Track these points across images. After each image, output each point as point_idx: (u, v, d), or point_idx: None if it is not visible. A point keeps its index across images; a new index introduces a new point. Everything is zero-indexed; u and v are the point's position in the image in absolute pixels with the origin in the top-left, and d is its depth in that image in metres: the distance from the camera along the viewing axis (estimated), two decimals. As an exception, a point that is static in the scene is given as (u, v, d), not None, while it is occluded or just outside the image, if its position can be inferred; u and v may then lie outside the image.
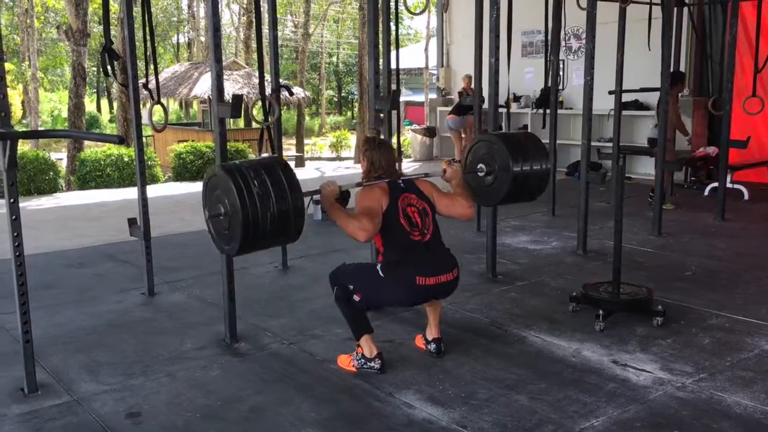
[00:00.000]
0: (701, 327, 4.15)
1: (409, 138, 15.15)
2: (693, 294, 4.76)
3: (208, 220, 3.29)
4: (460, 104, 11.14)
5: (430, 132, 13.40)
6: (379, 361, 3.55)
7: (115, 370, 3.65)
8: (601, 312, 4.12)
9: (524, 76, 11.51)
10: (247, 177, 3.09)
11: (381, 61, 5.31)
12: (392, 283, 3.48)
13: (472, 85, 10.56)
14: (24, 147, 15.14)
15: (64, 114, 25.25)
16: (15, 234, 3.24)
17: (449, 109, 12.86)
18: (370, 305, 3.62)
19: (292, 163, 17.56)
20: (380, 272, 3.49)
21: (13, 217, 3.23)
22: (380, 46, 5.24)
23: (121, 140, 3.11)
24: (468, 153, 4.32)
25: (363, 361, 3.57)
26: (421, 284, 3.47)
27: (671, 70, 7.06)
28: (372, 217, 3.43)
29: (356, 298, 3.54)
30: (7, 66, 24.85)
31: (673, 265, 5.58)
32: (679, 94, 8.20)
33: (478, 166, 4.18)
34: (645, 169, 9.99)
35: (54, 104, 35.60)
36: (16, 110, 27.68)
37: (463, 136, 11.79)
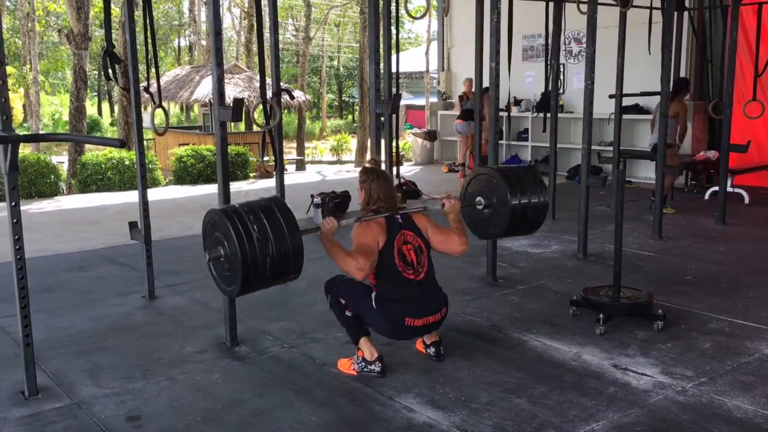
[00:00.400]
0: (702, 331, 4.15)
1: (410, 141, 15.16)
2: (693, 298, 4.76)
3: (208, 263, 3.31)
4: (468, 109, 11.11)
5: (430, 135, 13.41)
6: (380, 365, 3.56)
7: (115, 374, 3.65)
8: (601, 316, 4.12)
9: (525, 80, 11.53)
10: (246, 221, 3.12)
11: (382, 64, 5.33)
12: (382, 316, 3.52)
13: (473, 89, 10.64)
14: (25, 150, 15.15)
15: (65, 117, 25.30)
16: (16, 237, 3.25)
17: (450, 112, 12.88)
18: (364, 323, 3.65)
19: (292, 167, 17.60)
20: (373, 303, 3.53)
21: (15, 221, 3.23)
22: (381, 50, 5.26)
23: (122, 144, 3.11)
24: (466, 186, 4.33)
25: (363, 364, 3.58)
26: (409, 325, 3.52)
27: (672, 75, 7.06)
28: (368, 256, 3.46)
29: (348, 313, 3.62)
30: (9, 69, 24.94)
31: (673, 269, 5.58)
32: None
33: (477, 200, 4.20)
34: (645, 173, 9.99)
35: (55, 107, 35.64)
36: (18, 114, 27.73)
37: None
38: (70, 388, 3.48)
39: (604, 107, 8.32)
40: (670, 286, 5.02)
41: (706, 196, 8.49)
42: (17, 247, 3.25)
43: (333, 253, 3.46)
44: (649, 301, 4.30)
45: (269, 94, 5.22)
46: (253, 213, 3.17)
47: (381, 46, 5.30)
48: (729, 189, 7.53)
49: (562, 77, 7.32)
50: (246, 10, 24.02)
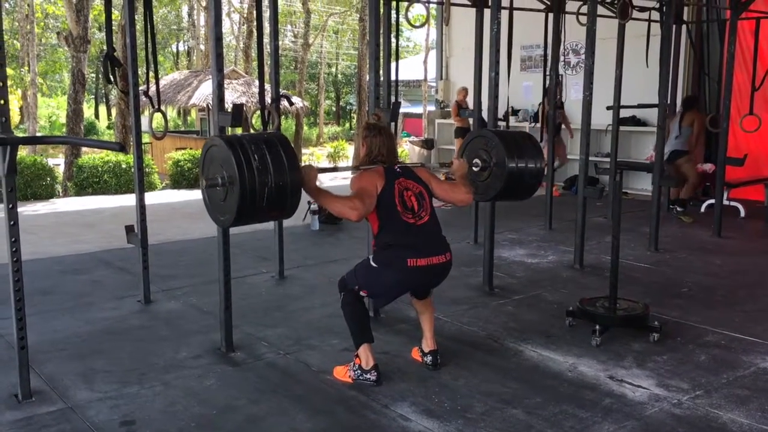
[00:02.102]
0: (697, 344, 4.16)
1: (407, 150, 15.18)
2: (689, 310, 4.77)
3: (204, 190, 3.28)
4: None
5: (427, 144, 13.42)
6: (375, 373, 3.54)
7: (110, 378, 3.63)
8: (597, 327, 4.12)
9: (522, 90, 11.55)
10: (247, 149, 3.09)
11: (381, 72, 5.33)
12: (385, 269, 3.50)
13: (469, 98, 10.65)
14: (21, 152, 15.11)
15: (62, 120, 25.26)
16: (13, 239, 3.24)
17: (447, 121, 12.90)
18: (379, 297, 3.67)
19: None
20: (372, 263, 3.53)
21: (12, 223, 3.22)
22: (381, 58, 5.26)
23: (121, 147, 3.11)
24: (465, 148, 4.33)
25: (359, 372, 3.57)
26: (413, 266, 3.46)
27: (669, 87, 7.09)
28: (364, 198, 3.42)
29: (363, 294, 3.59)
30: (7, 71, 24.83)
31: (669, 281, 5.59)
32: (676, 112, 8.26)
33: (474, 161, 4.20)
34: (642, 184, 10.02)
35: (52, 110, 35.58)
36: (14, 115, 27.63)
37: None
38: (64, 392, 3.46)
39: (602, 118, 8.36)
40: (666, 299, 5.03)
41: (702, 209, 8.51)
42: (14, 249, 3.24)
43: (322, 199, 3.42)
44: (645, 312, 4.30)
45: (268, 99, 5.23)
46: (255, 143, 3.14)
47: (381, 54, 5.30)
48: (725, 202, 7.55)
49: (560, 88, 7.34)
50: (245, 15, 24.05)
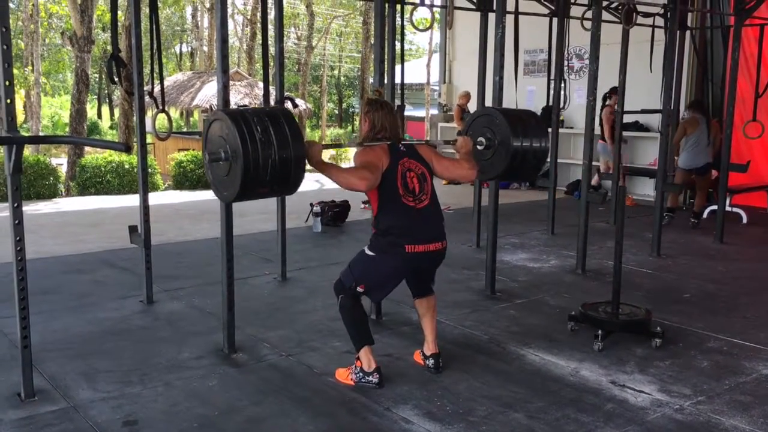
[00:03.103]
0: (700, 349, 4.16)
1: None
2: (692, 316, 4.77)
3: (207, 165, 3.24)
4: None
5: (430, 147, 13.41)
6: (377, 375, 3.54)
7: (112, 378, 3.63)
8: (599, 332, 4.12)
9: (526, 94, 11.56)
10: (251, 123, 3.06)
11: (385, 75, 5.34)
12: (382, 256, 3.50)
13: (472, 102, 10.65)
14: (25, 151, 15.12)
15: (65, 119, 25.31)
16: (17, 238, 3.24)
17: (450, 125, 12.90)
18: (376, 289, 3.61)
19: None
20: (369, 252, 3.54)
21: (16, 222, 3.23)
22: (384, 61, 5.28)
23: (127, 148, 3.12)
24: (469, 126, 4.29)
25: (361, 374, 3.56)
26: (411, 252, 3.46)
27: (673, 93, 7.09)
28: (371, 169, 3.39)
29: (360, 290, 3.55)
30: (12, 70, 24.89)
31: (671, 286, 5.58)
32: (681, 118, 8.25)
33: (478, 140, 4.16)
34: (644, 189, 10.03)
35: (55, 109, 35.63)
36: (18, 114, 27.66)
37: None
38: (66, 392, 3.46)
39: (605, 124, 8.36)
40: (669, 304, 5.03)
41: (705, 215, 8.50)
42: (18, 248, 3.25)
43: (329, 171, 3.38)
44: (648, 318, 4.30)
45: (272, 102, 5.24)
46: (258, 117, 3.11)
47: (385, 57, 5.31)
48: (728, 208, 7.55)
49: (563, 93, 7.34)
50: (249, 17, 24.09)
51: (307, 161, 3.31)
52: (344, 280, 3.62)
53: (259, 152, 3.03)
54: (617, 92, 7.64)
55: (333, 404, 3.40)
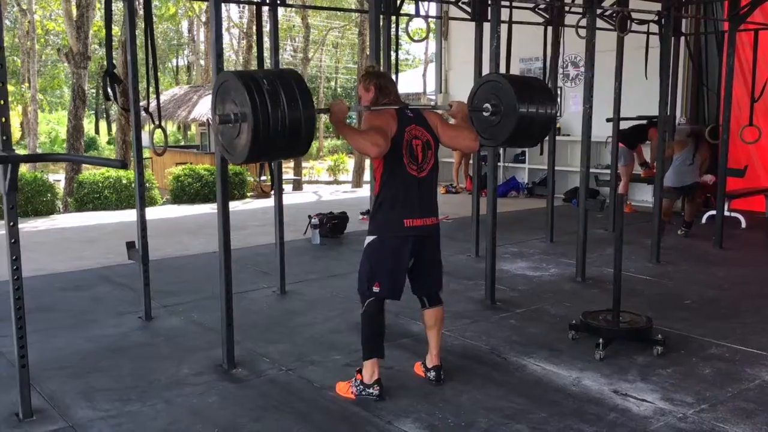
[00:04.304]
0: (701, 356, 4.13)
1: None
2: (693, 323, 4.75)
3: (217, 127, 3.22)
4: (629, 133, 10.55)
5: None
6: (378, 388, 3.52)
7: (111, 396, 3.60)
8: (601, 340, 4.10)
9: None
10: (260, 83, 3.04)
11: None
12: (382, 237, 3.52)
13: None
14: (22, 168, 15.11)
15: (62, 135, 25.30)
16: (14, 257, 3.23)
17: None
18: (387, 280, 3.53)
19: (289, 187, 17.61)
20: (369, 237, 3.55)
21: (12, 241, 3.21)
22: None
23: (123, 165, 3.10)
24: (475, 93, 4.27)
25: (362, 387, 3.54)
26: (409, 225, 3.49)
27: (669, 99, 7.08)
28: (383, 135, 3.37)
29: (376, 289, 3.51)
30: (8, 87, 24.94)
31: (672, 293, 5.57)
32: (677, 123, 8.25)
33: (484, 106, 4.15)
34: (642, 196, 10.02)
35: (52, 125, 35.66)
36: (15, 131, 27.73)
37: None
38: (65, 411, 3.43)
39: (601, 130, 8.36)
40: (669, 311, 5.01)
41: (703, 220, 8.50)
42: (15, 267, 3.23)
43: (346, 133, 3.41)
44: (649, 325, 4.29)
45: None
46: (267, 77, 3.10)
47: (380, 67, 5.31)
48: (726, 213, 7.54)
49: (559, 100, 7.34)
50: (245, 30, 24.15)
51: (328, 117, 3.39)
52: (361, 283, 3.59)
53: (269, 111, 3.01)
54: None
55: (334, 419, 3.37)
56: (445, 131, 3.66)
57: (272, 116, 3.01)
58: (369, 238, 3.57)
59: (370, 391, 3.53)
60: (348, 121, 3.60)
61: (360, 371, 3.58)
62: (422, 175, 3.54)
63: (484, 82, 4.29)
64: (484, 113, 4.16)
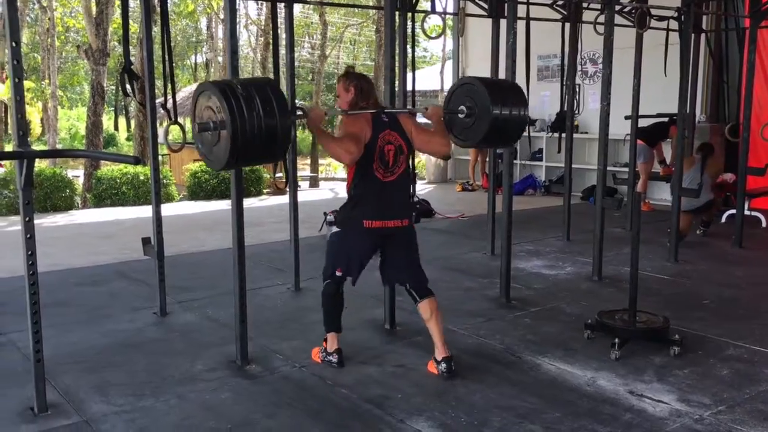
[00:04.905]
0: (719, 357, 4.08)
1: (424, 160, 15.14)
2: (710, 323, 4.69)
3: (196, 135, 3.37)
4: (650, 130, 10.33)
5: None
6: (337, 356, 3.88)
7: (125, 391, 3.62)
8: (616, 340, 4.05)
9: (540, 99, 11.50)
10: (237, 93, 3.19)
11: (397, 83, 5.33)
12: (346, 230, 3.81)
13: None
14: (42, 164, 15.21)
15: (82, 131, 25.51)
16: (29, 252, 3.25)
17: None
18: (349, 266, 3.82)
19: (306, 184, 17.63)
20: (336, 228, 3.92)
21: (28, 236, 3.23)
22: (396, 69, 5.26)
23: (137, 161, 3.12)
24: (450, 96, 4.44)
25: (324, 354, 3.94)
26: (368, 227, 3.69)
27: (689, 97, 6.99)
28: (356, 142, 3.56)
29: (338, 273, 3.82)
30: (28, 84, 25.28)
31: (690, 293, 5.50)
32: (697, 121, 8.14)
33: (459, 108, 4.28)
34: (660, 194, 9.92)
35: (72, 122, 35.97)
36: (36, 127, 27.99)
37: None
38: (79, 405, 3.46)
39: (619, 128, 8.29)
40: (687, 311, 4.95)
41: (723, 219, 8.40)
42: (30, 262, 3.25)
43: (322, 139, 3.64)
44: (666, 325, 4.24)
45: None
46: (244, 87, 3.25)
47: (396, 64, 5.30)
48: (746, 212, 7.44)
49: (577, 98, 7.27)
50: (262, 27, 24.22)
51: (306, 123, 3.64)
52: (325, 267, 3.89)
53: (246, 119, 3.17)
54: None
55: (347, 416, 3.37)
56: (418, 136, 3.82)
57: (249, 122, 3.16)
58: (334, 229, 3.98)
59: (330, 358, 3.90)
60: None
61: (326, 340, 3.93)
62: (390, 180, 3.71)
63: (460, 85, 4.44)
64: (460, 115, 4.28)
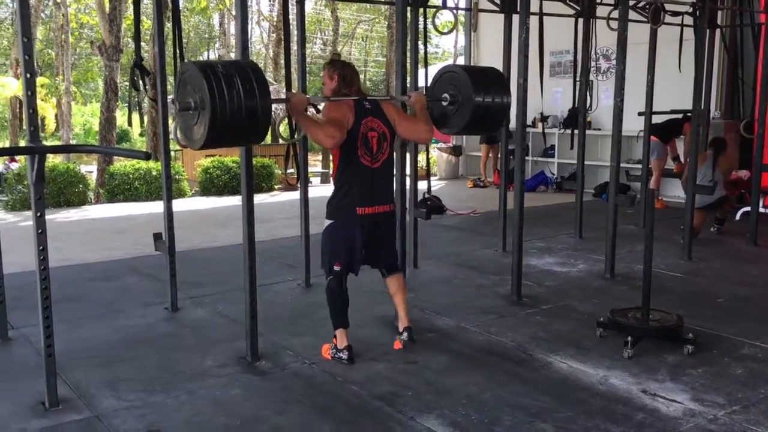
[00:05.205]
0: (733, 356, 4.04)
1: (435, 156, 15.11)
2: (725, 322, 4.64)
3: (176, 114, 3.41)
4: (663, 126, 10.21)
5: (456, 151, 13.37)
6: (347, 353, 3.84)
7: (136, 386, 3.63)
8: (629, 338, 4.02)
9: (552, 95, 11.43)
10: (219, 74, 3.22)
11: (408, 79, 5.31)
12: (338, 222, 3.85)
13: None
14: (55, 159, 15.33)
15: (96, 127, 25.66)
16: (40, 248, 3.26)
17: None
18: (346, 259, 3.87)
19: (317, 180, 17.65)
20: (328, 220, 3.88)
21: (39, 231, 3.24)
22: (408, 65, 5.24)
23: (147, 156, 3.12)
24: (434, 84, 4.47)
25: (335, 351, 3.90)
26: (362, 213, 3.79)
27: (704, 93, 6.91)
28: (338, 127, 3.62)
29: (337, 268, 3.87)
30: (42, 80, 25.45)
31: (703, 291, 5.45)
32: (711, 118, 8.06)
33: (443, 96, 4.32)
34: (674, 191, 9.84)
35: (86, 117, 36.16)
36: (50, 123, 28.16)
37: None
38: (90, 400, 3.47)
39: (632, 124, 8.21)
40: (701, 309, 4.90)
41: (737, 217, 8.31)
42: (41, 257, 3.26)
43: (303, 124, 3.69)
44: (679, 324, 4.19)
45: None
46: (226, 68, 3.29)
47: (408, 61, 5.27)
48: (761, 210, 7.35)
49: (590, 94, 7.21)
50: (275, 24, 24.24)
51: (288, 108, 3.67)
52: (323, 262, 3.95)
53: (226, 101, 3.19)
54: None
55: (357, 413, 3.35)
56: (401, 123, 3.89)
57: (228, 102, 3.19)
58: (327, 222, 3.91)
59: (341, 355, 3.86)
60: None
61: (335, 337, 3.90)
62: (376, 166, 3.79)
63: (444, 73, 4.48)
64: (443, 102, 4.33)
